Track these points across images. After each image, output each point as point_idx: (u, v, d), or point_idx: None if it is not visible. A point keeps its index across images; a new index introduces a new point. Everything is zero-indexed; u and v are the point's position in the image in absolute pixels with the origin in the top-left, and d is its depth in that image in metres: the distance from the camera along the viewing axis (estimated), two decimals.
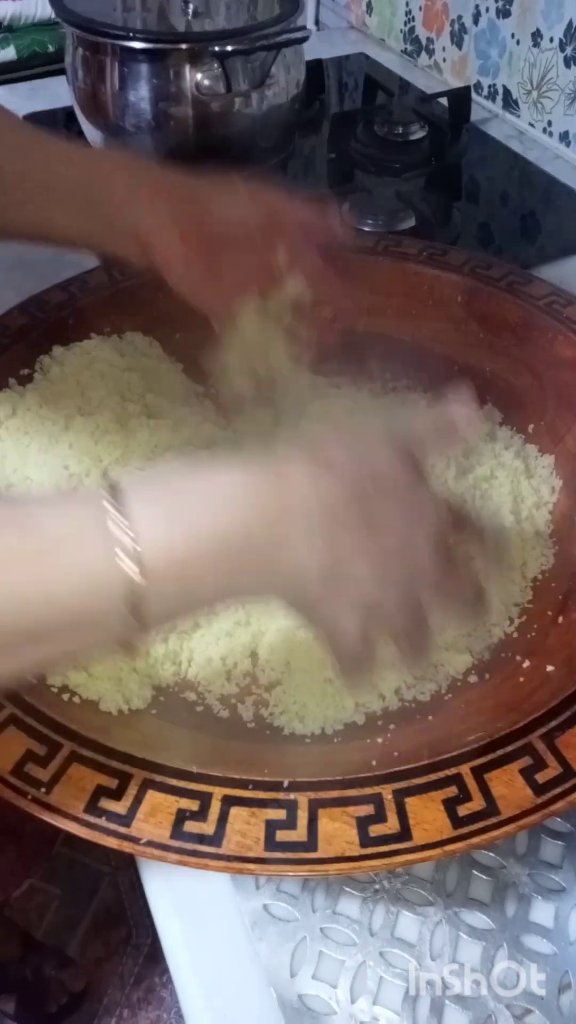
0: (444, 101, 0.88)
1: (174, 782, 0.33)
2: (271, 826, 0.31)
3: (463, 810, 0.31)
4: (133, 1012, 1.05)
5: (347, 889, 0.37)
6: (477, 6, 0.92)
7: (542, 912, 0.37)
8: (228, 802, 0.32)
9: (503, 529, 0.44)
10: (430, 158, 0.83)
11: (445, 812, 0.31)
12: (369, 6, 1.12)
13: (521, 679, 0.40)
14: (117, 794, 0.32)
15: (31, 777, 0.33)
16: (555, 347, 0.53)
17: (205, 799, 0.32)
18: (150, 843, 0.31)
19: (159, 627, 0.29)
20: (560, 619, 0.42)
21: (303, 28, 0.71)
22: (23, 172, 0.45)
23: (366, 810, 0.32)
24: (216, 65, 0.67)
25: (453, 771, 0.33)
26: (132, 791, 0.32)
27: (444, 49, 1.00)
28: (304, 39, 0.70)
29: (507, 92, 0.92)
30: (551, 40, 0.83)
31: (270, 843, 0.31)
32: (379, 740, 0.38)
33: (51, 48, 1.09)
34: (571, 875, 0.38)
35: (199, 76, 0.68)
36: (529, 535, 0.47)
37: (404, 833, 0.31)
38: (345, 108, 0.97)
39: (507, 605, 0.44)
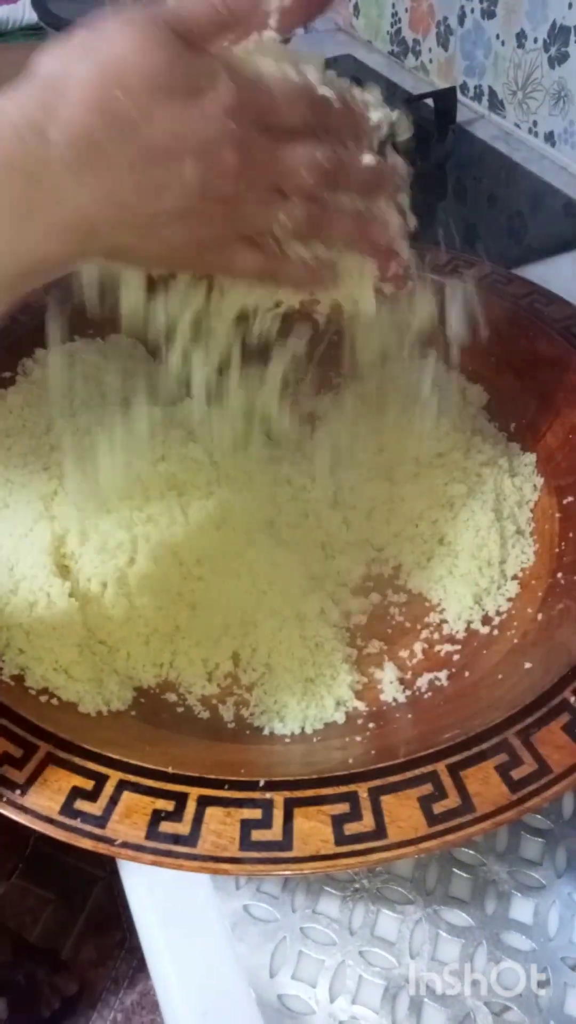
0: (430, 102, 0.88)
1: (150, 783, 0.33)
2: (246, 825, 0.31)
3: (438, 807, 0.31)
4: (127, 1016, 1.05)
5: (327, 889, 0.37)
6: (462, 7, 0.92)
7: (522, 909, 0.37)
8: (204, 802, 0.32)
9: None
10: (415, 159, 0.83)
11: (420, 810, 0.31)
12: (356, 8, 1.12)
13: (500, 676, 0.40)
14: (93, 795, 0.32)
15: (6, 780, 0.33)
16: (536, 345, 0.53)
17: (180, 799, 0.32)
18: (125, 844, 0.31)
19: None
20: (539, 616, 0.42)
21: None
22: None
23: (341, 808, 0.31)
24: None
25: (429, 769, 0.33)
26: (108, 792, 0.32)
27: (430, 50, 1.00)
28: (287, 40, 0.70)
29: (493, 93, 0.92)
30: (535, 41, 0.83)
31: (245, 843, 0.31)
32: (358, 739, 0.38)
33: None
34: (551, 872, 0.38)
35: None
36: (511, 533, 0.47)
37: (379, 831, 0.31)
38: None
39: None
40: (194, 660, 0.43)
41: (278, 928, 0.36)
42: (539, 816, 0.40)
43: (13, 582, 0.42)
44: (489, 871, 0.38)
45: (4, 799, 0.32)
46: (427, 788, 0.32)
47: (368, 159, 0.33)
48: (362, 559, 0.48)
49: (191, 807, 0.32)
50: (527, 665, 0.39)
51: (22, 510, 0.46)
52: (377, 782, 0.32)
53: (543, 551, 0.46)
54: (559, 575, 0.44)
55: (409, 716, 0.40)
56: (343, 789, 0.32)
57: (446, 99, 0.87)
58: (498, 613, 0.45)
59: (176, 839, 0.31)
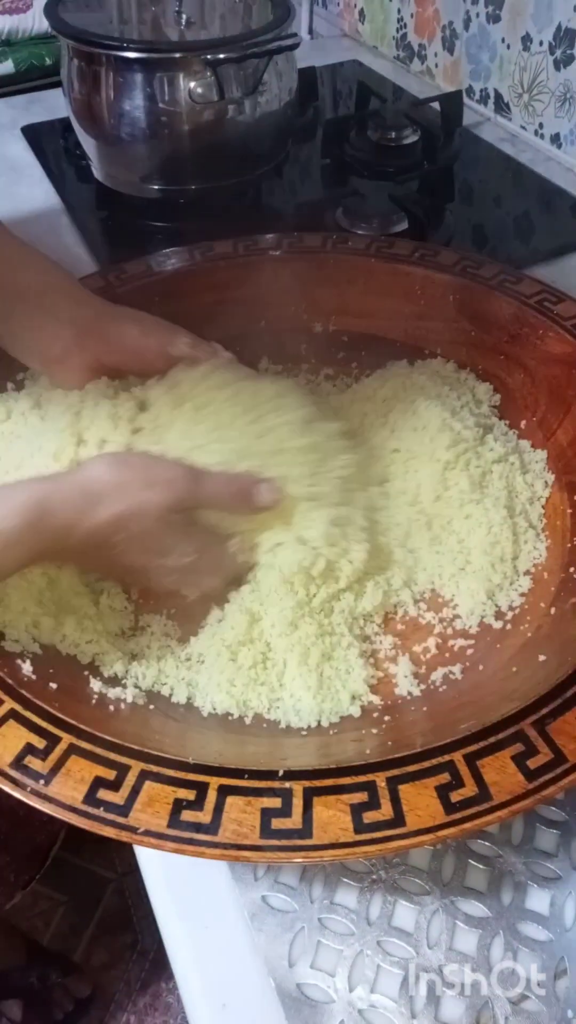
0: (436, 106, 0.89)
1: (171, 773, 0.33)
2: (266, 814, 0.32)
3: (456, 796, 0.32)
4: (139, 1018, 1.05)
5: (344, 880, 0.38)
6: (467, 12, 0.93)
7: (538, 900, 0.37)
8: (224, 791, 0.32)
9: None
10: (423, 162, 0.84)
11: (438, 798, 0.32)
12: (361, 14, 1.13)
13: (514, 669, 0.40)
14: (115, 785, 0.33)
15: (30, 770, 0.33)
16: (546, 343, 0.54)
17: (201, 789, 0.32)
18: (147, 832, 0.31)
19: None
20: (552, 610, 0.43)
21: (294, 35, 0.72)
22: None
23: (360, 797, 0.32)
24: (209, 73, 0.68)
25: (446, 758, 0.33)
26: (130, 782, 0.33)
27: (436, 55, 1.01)
28: (294, 46, 0.71)
29: (498, 95, 0.93)
30: (541, 43, 0.84)
31: (265, 831, 0.31)
32: (374, 731, 0.39)
33: (48, 61, 1.10)
34: (566, 863, 0.38)
35: (192, 84, 0.69)
36: (523, 529, 0.48)
37: (397, 819, 0.31)
38: (339, 114, 0.98)
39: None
40: (210, 654, 0.43)
41: (296, 919, 0.37)
42: (554, 808, 0.40)
43: None
44: (505, 862, 0.38)
45: (28, 789, 0.32)
46: (444, 777, 0.32)
47: None
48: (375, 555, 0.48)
49: (212, 796, 0.32)
50: (541, 658, 0.39)
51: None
52: (395, 772, 0.33)
53: (555, 546, 0.47)
54: (571, 570, 0.45)
55: (424, 709, 0.40)
56: (361, 779, 0.33)
57: (452, 103, 0.88)
58: (511, 608, 0.45)
59: (197, 827, 0.31)
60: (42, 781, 0.33)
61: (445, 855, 0.38)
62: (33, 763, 0.33)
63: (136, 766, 0.33)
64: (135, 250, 0.63)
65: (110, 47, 0.69)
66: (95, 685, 0.40)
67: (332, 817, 0.31)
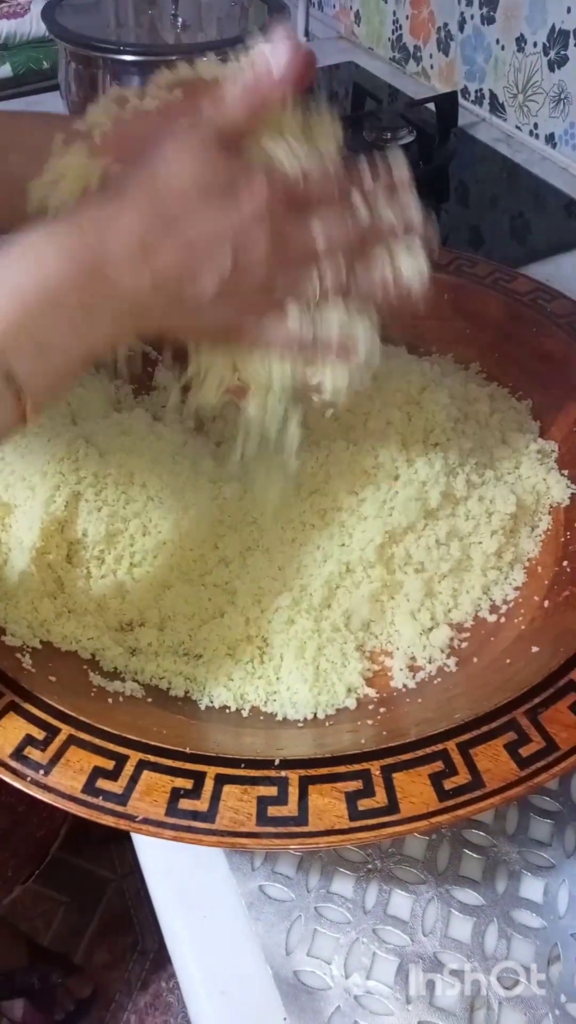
0: (432, 106, 0.90)
1: (169, 762, 0.34)
2: (263, 802, 0.32)
3: (449, 784, 0.32)
4: (140, 1018, 1.05)
5: (340, 869, 0.38)
6: (462, 13, 0.94)
7: (532, 888, 0.38)
8: (221, 780, 0.33)
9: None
10: (418, 162, 0.85)
11: (431, 786, 0.32)
12: (357, 16, 1.14)
13: (508, 661, 0.41)
14: (114, 775, 0.33)
15: (30, 760, 0.34)
16: (541, 341, 0.54)
17: (199, 778, 0.33)
18: (145, 820, 0.32)
19: (41, 389, 0.32)
20: (546, 603, 0.43)
21: None
22: None
23: (354, 785, 0.32)
24: None
25: (439, 747, 0.33)
26: (128, 771, 0.33)
27: (431, 56, 1.02)
28: None
29: (493, 96, 0.93)
30: (535, 45, 0.85)
31: (262, 818, 0.32)
32: (369, 722, 0.39)
33: (45, 65, 1.11)
34: (559, 852, 0.39)
35: None
36: (518, 524, 0.48)
37: (392, 806, 0.32)
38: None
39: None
40: (208, 649, 0.44)
41: (293, 907, 0.37)
42: (548, 798, 0.40)
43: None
44: (500, 851, 0.39)
45: (28, 779, 0.33)
46: (438, 765, 0.33)
47: (383, 211, 0.36)
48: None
49: (209, 785, 0.33)
50: (534, 649, 0.40)
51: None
52: (389, 760, 0.33)
53: (549, 541, 0.47)
54: (565, 563, 0.45)
55: (419, 700, 0.41)
56: (356, 767, 0.33)
57: (447, 103, 0.89)
58: (505, 602, 0.46)
59: (195, 815, 0.32)
60: (42, 771, 0.33)
61: (440, 845, 0.39)
62: (33, 754, 0.34)
63: (134, 756, 0.34)
64: None
65: (107, 50, 0.70)
66: (94, 679, 0.41)
67: (327, 805, 0.32)
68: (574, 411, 0.51)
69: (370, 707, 0.41)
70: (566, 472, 0.50)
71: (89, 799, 0.32)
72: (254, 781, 0.33)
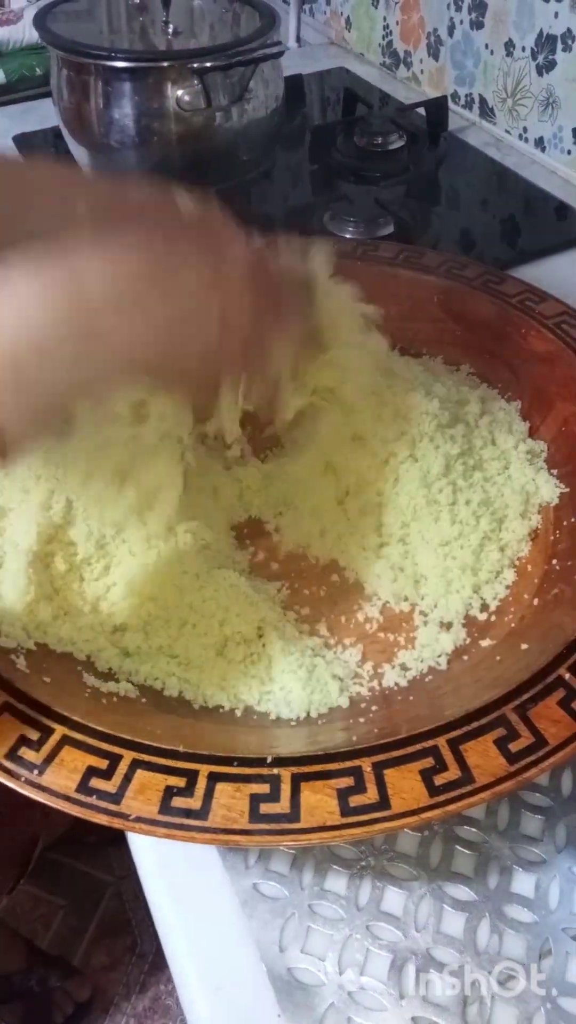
0: (422, 111, 0.91)
1: (162, 761, 0.34)
2: (255, 799, 0.32)
3: (439, 779, 0.33)
4: (139, 1021, 1.05)
5: (334, 867, 0.39)
6: (452, 19, 0.94)
7: (523, 883, 0.38)
8: (214, 778, 0.33)
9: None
10: (409, 166, 0.85)
11: (422, 782, 0.32)
12: (348, 22, 1.15)
13: (498, 658, 0.41)
14: (107, 774, 0.33)
15: (24, 760, 0.34)
16: (529, 341, 0.55)
17: (192, 776, 0.33)
18: (139, 819, 0.32)
19: (22, 427, 0.32)
20: (536, 601, 0.44)
21: (278, 44, 0.73)
22: None
23: (346, 782, 0.33)
24: (196, 81, 0.69)
25: (430, 743, 0.34)
26: (122, 770, 0.34)
27: (421, 61, 1.02)
28: (279, 54, 0.72)
29: (483, 101, 0.94)
30: (523, 49, 0.86)
31: (254, 815, 0.32)
32: (361, 720, 0.39)
33: (38, 71, 1.11)
34: (551, 847, 0.39)
35: (180, 92, 0.70)
36: (508, 524, 0.49)
37: (383, 803, 0.32)
38: (326, 120, 0.99)
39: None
40: (201, 650, 0.44)
41: (287, 905, 0.38)
42: (539, 794, 0.41)
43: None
44: (491, 847, 0.39)
45: (23, 779, 0.33)
46: (428, 761, 0.33)
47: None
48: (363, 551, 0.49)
49: (202, 783, 0.33)
50: (524, 646, 0.40)
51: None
52: (380, 757, 0.34)
53: (539, 539, 0.48)
54: (554, 561, 0.46)
55: (411, 698, 0.41)
56: (347, 764, 0.33)
57: (437, 108, 0.89)
58: (495, 600, 0.46)
59: (188, 813, 0.32)
60: (36, 771, 0.33)
61: (432, 841, 0.39)
62: (27, 754, 0.34)
63: (128, 755, 0.34)
64: None
65: (99, 57, 0.70)
66: (88, 679, 0.41)
67: (319, 801, 0.32)
68: (563, 411, 0.52)
69: (362, 705, 0.41)
70: (555, 472, 0.50)
71: (83, 798, 0.33)
72: (246, 779, 0.33)
